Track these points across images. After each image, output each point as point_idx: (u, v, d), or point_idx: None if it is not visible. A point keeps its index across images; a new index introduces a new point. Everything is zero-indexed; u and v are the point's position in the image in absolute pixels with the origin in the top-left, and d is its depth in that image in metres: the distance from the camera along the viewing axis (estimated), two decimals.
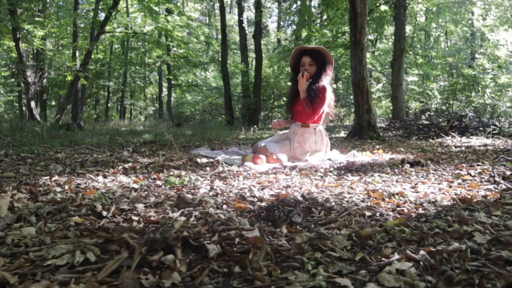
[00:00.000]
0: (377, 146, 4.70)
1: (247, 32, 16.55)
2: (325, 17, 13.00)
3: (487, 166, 2.62)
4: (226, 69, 15.54)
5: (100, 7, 13.57)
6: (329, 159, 3.32)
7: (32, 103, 12.53)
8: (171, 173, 2.50)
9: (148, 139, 5.95)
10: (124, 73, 21.79)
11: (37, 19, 13.37)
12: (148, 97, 26.03)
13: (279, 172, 2.66)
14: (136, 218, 1.42)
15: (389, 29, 13.72)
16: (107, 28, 16.08)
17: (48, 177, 2.35)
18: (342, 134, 7.91)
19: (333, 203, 1.62)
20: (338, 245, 1.10)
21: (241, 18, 15.96)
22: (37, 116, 12.49)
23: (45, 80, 20.00)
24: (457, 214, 1.42)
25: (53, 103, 23.38)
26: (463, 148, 4.30)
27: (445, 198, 1.74)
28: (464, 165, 2.80)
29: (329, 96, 3.52)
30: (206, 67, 23.04)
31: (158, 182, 2.14)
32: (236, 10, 20.43)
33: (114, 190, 1.94)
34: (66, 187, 2.05)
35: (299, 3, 14.59)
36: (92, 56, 20.30)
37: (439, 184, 2.16)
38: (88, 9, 14.51)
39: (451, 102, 12.31)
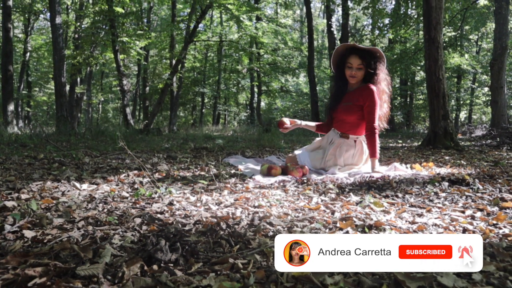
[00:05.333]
0: (446, 157, 4.00)
1: (335, 36, 16.05)
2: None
3: None
4: (312, 75, 15.26)
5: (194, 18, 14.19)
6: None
7: (127, 110, 13.50)
8: (160, 183, 2.30)
9: (221, 143, 5.91)
10: (218, 80, 22.65)
11: (139, 32, 14.45)
12: (241, 103, 26.69)
13: (280, 186, 2.30)
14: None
15: (490, 26, 12.02)
16: (202, 37, 16.87)
17: (41, 183, 2.32)
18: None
19: (257, 235, 1.25)
20: None
21: (329, 22, 15.61)
22: (131, 121, 13.46)
23: (147, 88, 21.61)
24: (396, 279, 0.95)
25: None
26: None
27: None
28: None
29: (377, 96, 2.98)
30: (297, 72, 22.88)
31: (125, 194, 1.95)
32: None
33: (70, 201, 1.80)
34: (41, 194, 1.97)
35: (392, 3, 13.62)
36: (189, 65, 21.50)
37: (462, 212, 1.62)
38: (180, 20, 15.27)
39: None
